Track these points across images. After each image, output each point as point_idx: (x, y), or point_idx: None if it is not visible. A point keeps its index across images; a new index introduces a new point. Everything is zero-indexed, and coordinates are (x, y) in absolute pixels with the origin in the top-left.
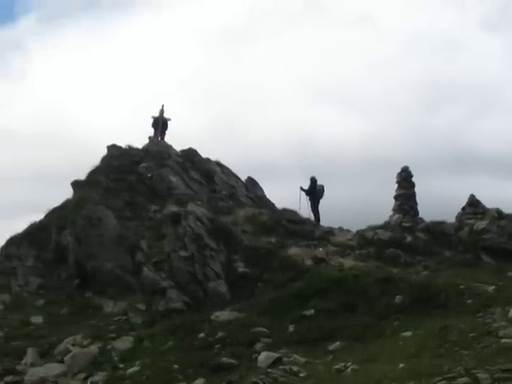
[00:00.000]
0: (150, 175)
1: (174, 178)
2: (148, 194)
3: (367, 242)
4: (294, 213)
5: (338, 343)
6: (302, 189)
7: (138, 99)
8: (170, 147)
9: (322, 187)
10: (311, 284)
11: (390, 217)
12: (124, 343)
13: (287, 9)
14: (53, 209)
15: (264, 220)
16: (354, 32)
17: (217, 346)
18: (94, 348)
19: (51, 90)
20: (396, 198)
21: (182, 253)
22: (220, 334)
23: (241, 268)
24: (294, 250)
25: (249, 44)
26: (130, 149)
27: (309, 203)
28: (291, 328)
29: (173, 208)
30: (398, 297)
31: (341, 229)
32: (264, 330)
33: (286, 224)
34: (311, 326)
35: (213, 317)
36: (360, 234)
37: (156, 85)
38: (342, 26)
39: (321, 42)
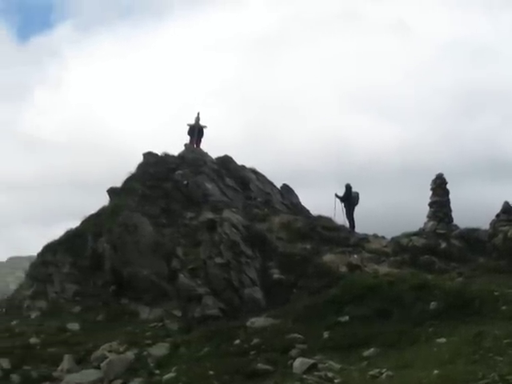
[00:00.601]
0: (185, 182)
1: (209, 185)
2: (184, 201)
3: (402, 248)
4: (328, 220)
5: (372, 349)
6: (337, 196)
7: (174, 106)
8: (205, 154)
9: (357, 194)
10: (346, 291)
11: (425, 224)
12: (160, 350)
13: (323, 16)
14: (89, 216)
15: (299, 227)
16: (388, 39)
17: (252, 352)
18: (130, 354)
19: (87, 97)
20: (430, 204)
21: (218, 260)
22: (255, 341)
23: (276, 275)
24: (328, 257)
25: (284, 51)
26: (166, 156)
27: (344, 210)
28: (326, 334)
29: (208, 215)
30: (432, 303)
31: (375, 236)
32: (299, 336)
33: (321, 231)
34: (346, 332)
35: (248, 323)
36: (395, 240)
37: (192, 92)
38: (377, 32)
39: (356, 48)
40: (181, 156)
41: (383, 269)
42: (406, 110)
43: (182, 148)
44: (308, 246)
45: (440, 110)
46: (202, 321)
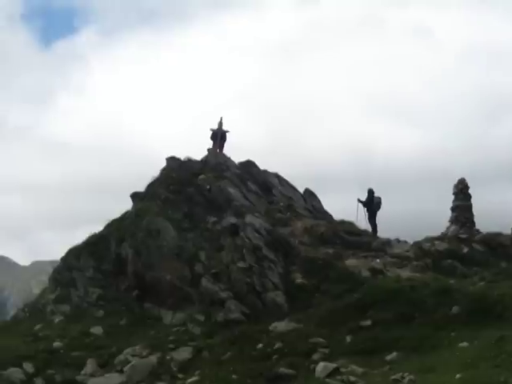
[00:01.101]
0: (208, 187)
1: (232, 190)
2: (207, 205)
3: (424, 253)
4: (351, 224)
5: (395, 354)
6: (359, 200)
7: (197, 111)
8: (228, 159)
9: (380, 199)
10: (368, 295)
11: (447, 228)
12: (183, 354)
13: (345, 21)
14: (112, 220)
15: (322, 231)
16: (410, 43)
17: (275, 356)
18: (153, 358)
19: (111, 102)
20: (453, 209)
21: (241, 264)
22: (278, 345)
23: (298, 279)
24: (351, 262)
25: (307, 56)
26: (189, 161)
27: (366, 215)
28: (348, 339)
29: (231, 220)
30: (454, 308)
31: (398, 240)
32: (321, 340)
33: (344, 235)
34: (368, 336)
35: (271, 327)
36: (417, 245)
37: (214, 97)
38: (398, 37)
39: (378, 53)
40: (204, 161)
41: (405, 273)
42: (429, 114)
43: (205, 153)
44: (330, 251)
45: (463, 115)
46: (225, 325)
